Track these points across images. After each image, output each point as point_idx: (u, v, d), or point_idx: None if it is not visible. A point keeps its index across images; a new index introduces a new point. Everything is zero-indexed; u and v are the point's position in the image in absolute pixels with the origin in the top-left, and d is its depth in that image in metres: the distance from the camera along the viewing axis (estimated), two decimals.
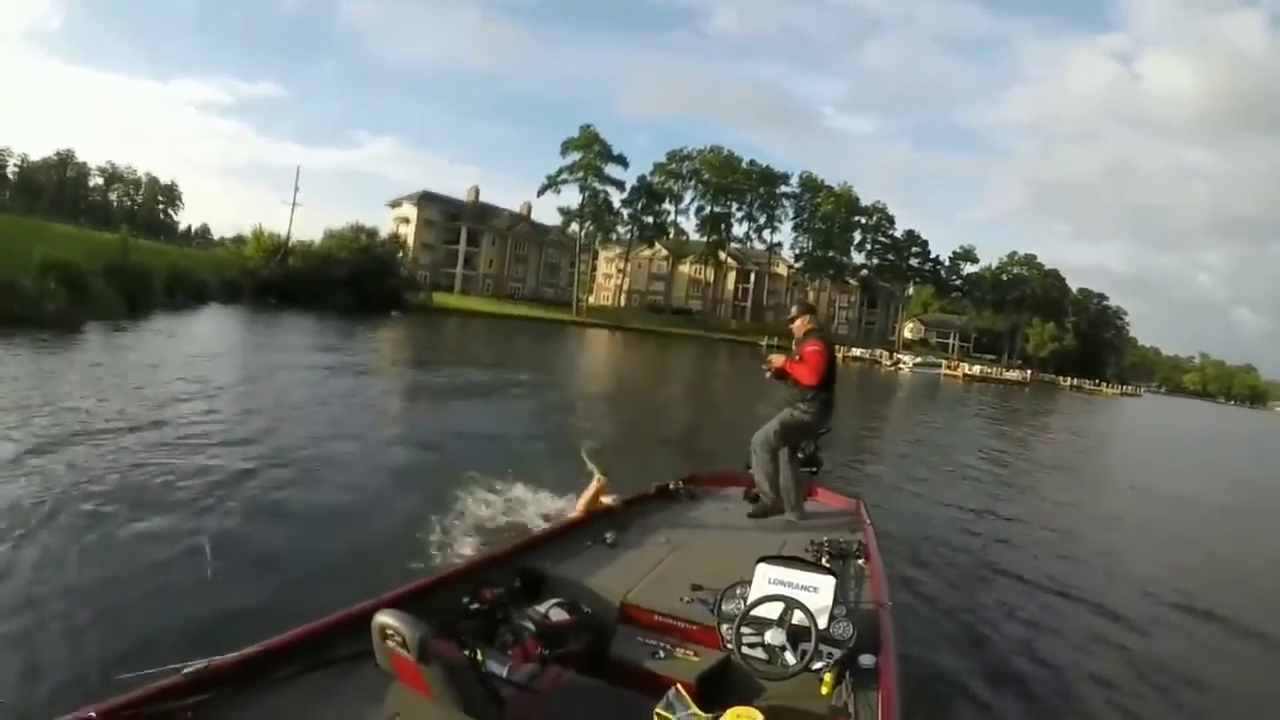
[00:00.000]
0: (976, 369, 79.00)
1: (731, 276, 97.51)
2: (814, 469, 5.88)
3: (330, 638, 2.64)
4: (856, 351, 78.84)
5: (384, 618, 2.28)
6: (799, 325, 5.55)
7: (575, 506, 4.68)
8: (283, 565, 5.11)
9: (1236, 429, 57.62)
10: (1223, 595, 7.75)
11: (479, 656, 2.53)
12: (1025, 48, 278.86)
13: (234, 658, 2.39)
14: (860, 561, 4.28)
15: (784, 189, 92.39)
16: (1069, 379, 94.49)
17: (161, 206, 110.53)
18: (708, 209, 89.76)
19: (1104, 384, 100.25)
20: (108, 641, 3.83)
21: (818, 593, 3.06)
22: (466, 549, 5.47)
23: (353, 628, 2.60)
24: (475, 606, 3.17)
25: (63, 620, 4.01)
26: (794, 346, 5.52)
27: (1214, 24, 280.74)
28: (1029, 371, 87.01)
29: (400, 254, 54.89)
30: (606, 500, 4.89)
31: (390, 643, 2.26)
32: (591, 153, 79.15)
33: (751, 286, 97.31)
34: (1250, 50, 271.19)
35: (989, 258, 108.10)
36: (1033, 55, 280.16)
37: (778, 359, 5.48)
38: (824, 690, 2.85)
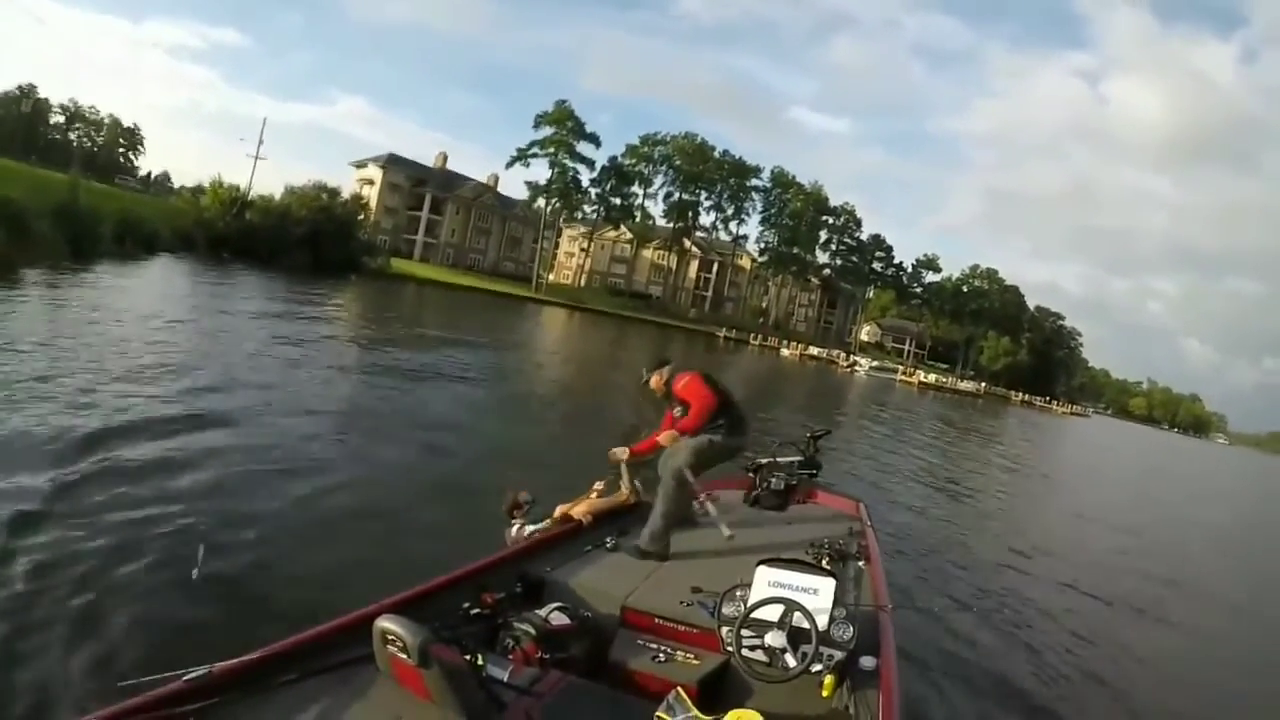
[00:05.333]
0: (932, 378, 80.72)
1: (694, 265, 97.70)
2: (813, 471, 5.87)
3: (332, 642, 2.64)
4: (814, 350, 79.92)
5: (385, 622, 2.30)
6: (656, 382, 4.81)
7: (581, 510, 4.51)
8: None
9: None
10: (1222, 605, 7.91)
11: (479, 661, 2.49)
12: (995, 61, 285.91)
13: (236, 663, 2.38)
14: (861, 563, 4.28)
15: (755, 182, 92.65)
16: (1020, 394, 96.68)
17: (123, 150, 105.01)
18: (677, 195, 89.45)
19: (1054, 402, 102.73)
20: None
21: (818, 595, 3.06)
22: (466, 554, 5.28)
23: (354, 632, 2.62)
24: (476, 611, 3.17)
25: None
26: (668, 406, 4.79)
27: (1184, 53, 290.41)
28: (982, 384, 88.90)
29: (361, 216, 53.84)
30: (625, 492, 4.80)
31: (391, 647, 2.28)
32: (564, 129, 78.18)
33: (713, 277, 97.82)
34: (1218, 82, 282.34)
35: (950, 267, 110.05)
36: (1002, 68, 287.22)
37: (664, 434, 4.57)
38: (824, 692, 2.87)
